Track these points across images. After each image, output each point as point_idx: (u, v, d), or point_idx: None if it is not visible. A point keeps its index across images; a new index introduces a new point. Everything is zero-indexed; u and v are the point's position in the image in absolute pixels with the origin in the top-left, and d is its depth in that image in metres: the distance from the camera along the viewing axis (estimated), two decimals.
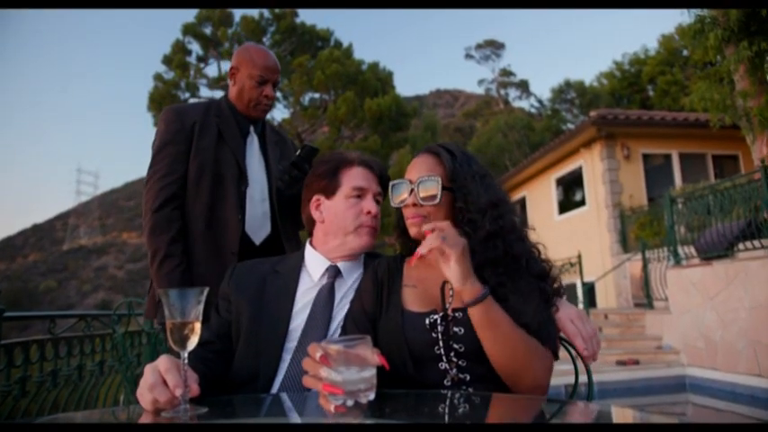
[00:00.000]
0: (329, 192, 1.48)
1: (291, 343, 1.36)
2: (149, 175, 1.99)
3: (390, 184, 1.37)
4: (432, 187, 1.27)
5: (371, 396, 0.96)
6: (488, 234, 1.23)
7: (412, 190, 1.30)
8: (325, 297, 1.41)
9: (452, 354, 1.22)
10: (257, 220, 2.09)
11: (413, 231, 1.31)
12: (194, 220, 1.99)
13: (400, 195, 1.33)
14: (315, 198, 1.50)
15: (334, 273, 1.45)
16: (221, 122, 2.09)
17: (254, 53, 2.13)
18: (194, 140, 2.02)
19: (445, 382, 1.21)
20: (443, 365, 1.21)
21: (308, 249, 1.52)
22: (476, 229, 1.24)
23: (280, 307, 1.40)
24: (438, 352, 1.21)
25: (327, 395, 0.95)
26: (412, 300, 1.30)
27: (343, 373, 0.94)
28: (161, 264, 1.89)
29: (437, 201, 1.27)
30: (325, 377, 0.95)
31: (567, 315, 1.26)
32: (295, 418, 1.05)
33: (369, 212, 1.46)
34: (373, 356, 0.97)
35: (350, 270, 1.48)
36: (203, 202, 1.99)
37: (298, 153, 2.12)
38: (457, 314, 1.23)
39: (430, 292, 1.30)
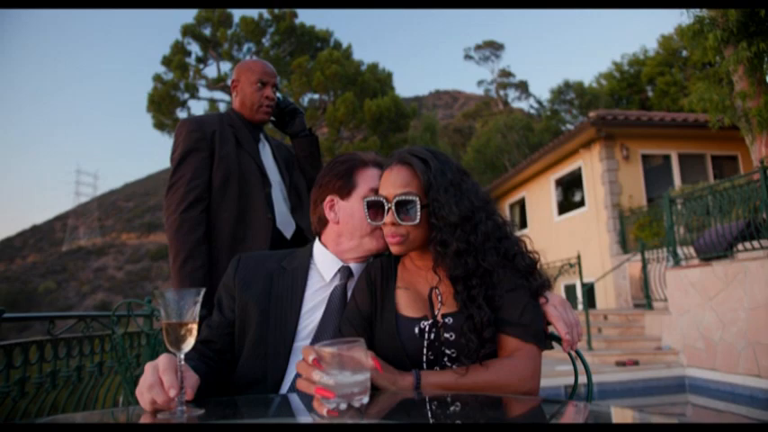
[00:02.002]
0: (344, 193, 1.46)
1: (300, 343, 1.35)
2: (174, 180, 2.09)
3: (365, 200, 1.34)
4: (410, 207, 1.24)
5: (365, 400, 0.95)
6: (458, 251, 1.21)
7: (389, 209, 1.25)
8: (339, 298, 1.40)
9: (445, 359, 1.21)
10: (285, 216, 2.23)
11: (394, 250, 1.29)
12: (222, 221, 2.10)
13: (377, 214, 1.31)
14: (329, 198, 1.48)
15: (347, 274, 1.44)
16: (237, 131, 2.24)
17: (251, 63, 2.33)
18: (216, 148, 2.15)
19: None
20: (436, 370, 1.22)
21: (318, 247, 1.50)
22: (446, 247, 1.22)
23: (288, 307, 1.39)
24: (431, 358, 1.22)
25: (320, 398, 0.94)
26: (404, 303, 1.29)
27: (335, 377, 0.92)
28: (184, 263, 1.95)
29: (416, 221, 1.23)
30: (318, 380, 0.95)
31: (552, 302, 1.27)
32: (294, 419, 1.05)
33: None
34: (367, 359, 0.96)
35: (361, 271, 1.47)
36: (232, 204, 2.12)
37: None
38: (447, 320, 1.22)
39: (421, 296, 1.30)
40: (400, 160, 1.29)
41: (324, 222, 1.50)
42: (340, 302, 1.39)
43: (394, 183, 1.27)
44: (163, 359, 1.03)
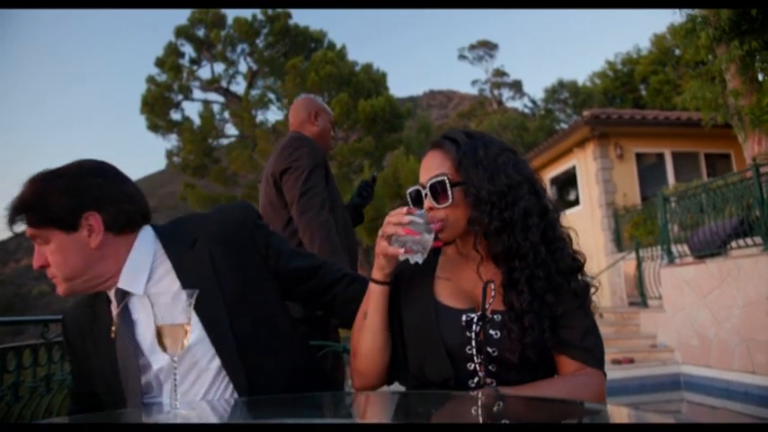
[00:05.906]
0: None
1: (155, 368, 1.27)
2: (310, 185, 2.39)
3: (407, 191, 1.29)
4: (441, 188, 1.20)
5: (421, 260, 1.15)
6: (496, 230, 1.16)
7: (426, 194, 1.23)
8: (122, 326, 1.29)
9: (485, 357, 1.17)
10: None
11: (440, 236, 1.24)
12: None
13: (418, 204, 1.26)
14: None
15: (121, 296, 1.31)
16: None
17: (323, 103, 2.77)
18: (328, 170, 2.54)
19: (470, 383, 1.17)
20: (472, 366, 1.17)
21: None
22: (481, 226, 1.17)
23: (114, 349, 1.30)
24: (470, 352, 1.17)
25: (400, 239, 1.13)
26: (446, 293, 1.24)
27: (420, 225, 1.14)
28: (341, 258, 2.29)
29: (449, 202, 1.19)
30: (408, 221, 1.12)
31: None
32: (292, 419, 1.04)
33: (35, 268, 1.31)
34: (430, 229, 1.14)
35: (132, 280, 1.30)
36: (338, 217, 2.53)
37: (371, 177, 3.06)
38: (495, 316, 1.17)
39: (464, 288, 1.24)
40: (433, 145, 1.28)
41: None
42: (126, 327, 1.28)
43: (428, 168, 1.25)
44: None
